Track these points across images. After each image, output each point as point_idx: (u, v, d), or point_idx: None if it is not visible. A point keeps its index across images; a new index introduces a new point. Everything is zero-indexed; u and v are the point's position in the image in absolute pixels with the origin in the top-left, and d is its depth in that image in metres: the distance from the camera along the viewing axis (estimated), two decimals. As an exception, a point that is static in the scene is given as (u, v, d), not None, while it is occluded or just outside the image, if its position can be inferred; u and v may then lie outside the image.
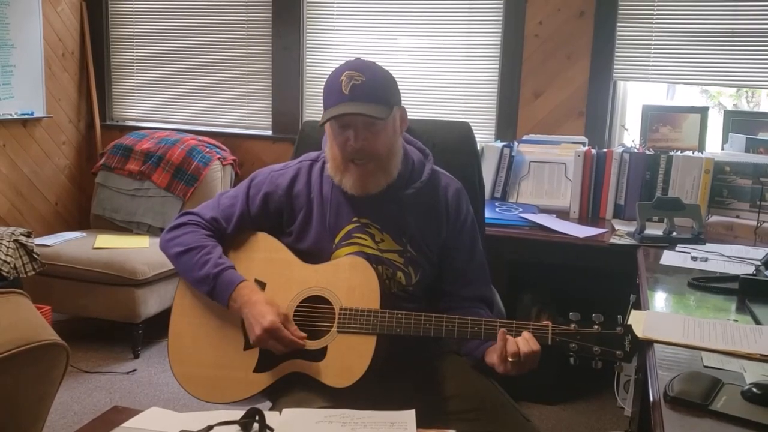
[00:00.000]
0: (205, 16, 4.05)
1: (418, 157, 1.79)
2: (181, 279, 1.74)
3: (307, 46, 3.87)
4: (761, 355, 1.35)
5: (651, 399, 1.21)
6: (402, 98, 1.71)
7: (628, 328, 1.46)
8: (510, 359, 1.47)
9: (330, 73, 1.65)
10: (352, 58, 1.67)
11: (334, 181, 1.69)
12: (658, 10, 3.27)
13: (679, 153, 2.96)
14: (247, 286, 1.63)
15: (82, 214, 4.29)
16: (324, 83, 1.65)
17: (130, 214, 3.83)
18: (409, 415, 1.24)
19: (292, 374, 1.59)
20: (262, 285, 1.67)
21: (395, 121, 1.67)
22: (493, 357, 1.54)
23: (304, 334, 1.58)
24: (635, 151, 3.02)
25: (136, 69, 4.27)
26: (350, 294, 1.60)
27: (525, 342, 1.48)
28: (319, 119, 1.64)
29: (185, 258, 1.68)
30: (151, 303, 3.35)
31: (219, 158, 3.83)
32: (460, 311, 1.63)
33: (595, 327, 1.47)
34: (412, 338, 1.56)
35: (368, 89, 1.59)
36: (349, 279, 1.61)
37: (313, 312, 1.62)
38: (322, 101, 1.66)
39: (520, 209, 3.00)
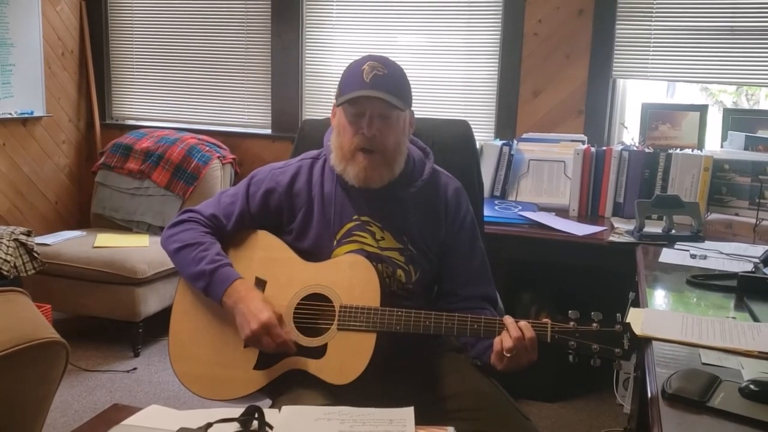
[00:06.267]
0: (205, 15, 4.05)
1: (419, 155, 1.79)
2: (181, 277, 1.74)
3: (307, 44, 3.87)
4: (759, 352, 1.35)
5: (649, 396, 1.22)
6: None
7: (627, 326, 1.46)
8: (507, 354, 1.46)
9: (349, 64, 1.67)
10: (366, 54, 1.69)
11: (336, 170, 1.69)
12: (657, 7, 3.27)
13: (678, 151, 2.96)
14: (243, 283, 1.63)
15: (82, 213, 4.29)
16: (325, 81, 1.65)
17: (129, 213, 3.84)
18: (408, 413, 1.24)
19: (292, 372, 1.60)
20: (262, 283, 1.67)
21: (406, 120, 1.69)
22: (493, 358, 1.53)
23: (295, 340, 1.58)
24: (634, 149, 3.02)
25: (136, 68, 4.27)
26: (350, 292, 1.60)
27: (515, 329, 1.47)
28: (318, 118, 1.64)
29: (183, 254, 1.68)
30: (151, 301, 3.35)
31: (218, 157, 3.83)
32: (463, 311, 1.61)
33: (594, 325, 1.47)
34: (411, 336, 1.56)
35: (389, 82, 1.62)
36: (349, 277, 1.62)
37: (314, 310, 1.62)
38: (338, 88, 1.68)
39: (520, 207, 3.00)
